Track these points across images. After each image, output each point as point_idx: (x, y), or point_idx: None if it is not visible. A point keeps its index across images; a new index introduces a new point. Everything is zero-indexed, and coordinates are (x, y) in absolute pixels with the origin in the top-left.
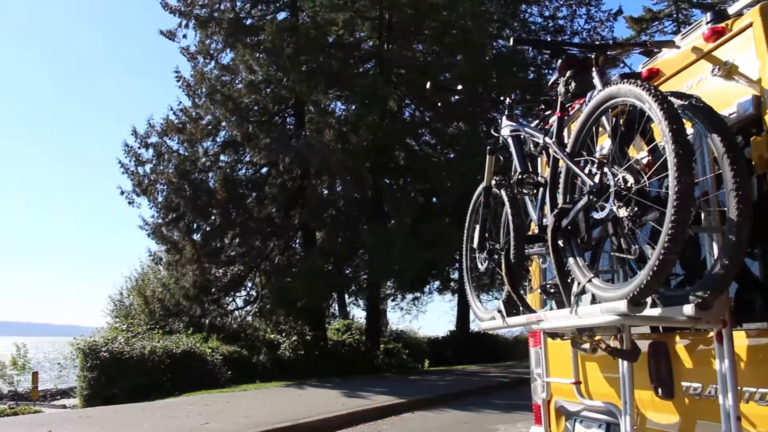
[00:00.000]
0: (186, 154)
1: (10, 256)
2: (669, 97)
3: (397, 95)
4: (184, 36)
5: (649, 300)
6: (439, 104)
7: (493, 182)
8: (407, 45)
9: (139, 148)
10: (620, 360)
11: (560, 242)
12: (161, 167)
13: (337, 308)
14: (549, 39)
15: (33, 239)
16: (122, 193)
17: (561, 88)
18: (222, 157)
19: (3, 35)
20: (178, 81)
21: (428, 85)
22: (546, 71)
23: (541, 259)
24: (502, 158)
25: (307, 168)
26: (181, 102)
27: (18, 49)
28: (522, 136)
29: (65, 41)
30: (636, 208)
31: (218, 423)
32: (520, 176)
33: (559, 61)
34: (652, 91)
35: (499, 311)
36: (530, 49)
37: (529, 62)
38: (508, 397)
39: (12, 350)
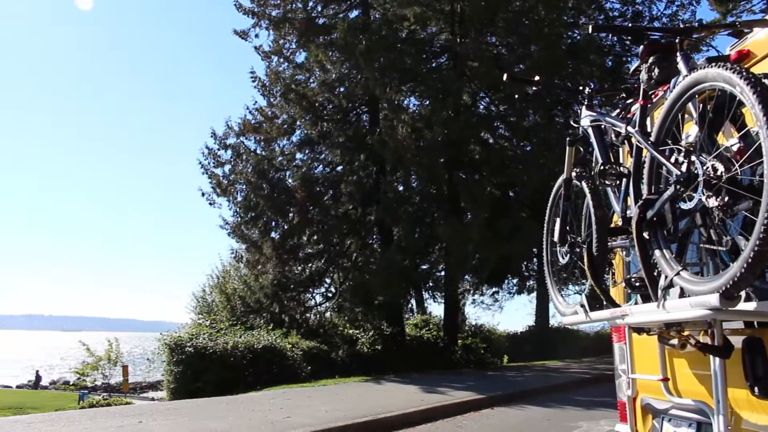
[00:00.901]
0: (263, 153)
1: (101, 255)
2: (763, 80)
3: (471, 89)
4: (257, 36)
5: (743, 293)
6: (516, 96)
7: (574, 174)
8: (480, 38)
9: (218, 149)
10: (711, 356)
11: (645, 234)
12: (240, 167)
13: (414, 304)
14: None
15: (122, 238)
16: (203, 194)
17: (643, 75)
18: (298, 156)
19: (86, 42)
20: (253, 81)
21: (504, 77)
22: (625, 58)
23: (624, 252)
24: (582, 149)
25: (382, 164)
26: (256, 102)
27: (100, 53)
28: (603, 126)
29: (148, 45)
30: (727, 198)
31: (299, 417)
32: (602, 167)
33: (641, 46)
34: (744, 73)
35: (582, 306)
36: (609, 36)
37: (606, 50)
38: (590, 393)
39: (104, 344)
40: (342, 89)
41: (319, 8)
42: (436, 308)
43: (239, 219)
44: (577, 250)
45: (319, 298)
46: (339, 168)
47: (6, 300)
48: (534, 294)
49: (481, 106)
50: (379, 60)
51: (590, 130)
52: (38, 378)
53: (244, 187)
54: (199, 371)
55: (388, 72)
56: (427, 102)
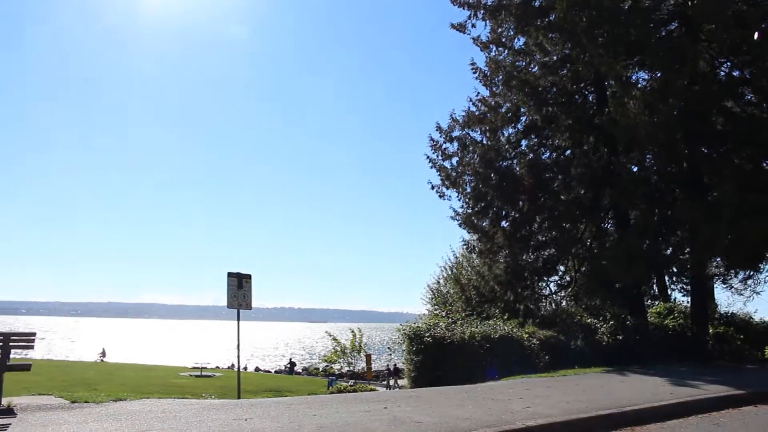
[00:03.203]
0: (489, 143)
1: (345, 250)
2: None
3: (709, 54)
4: (474, 26)
5: None
6: None
7: None
8: None
9: (444, 142)
10: None
11: None
12: (467, 158)
13: (656, 290)
14: None
15: (362, 233)
16: (432, 187)
17: None
18: (524, 143)
19: (310, 47)
20: (474, 72)
21: (755, 35)
22: None
23: None
24: None
25: (613, 145)
26: (478, 93)
27: (322, 55)
28: None
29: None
30: None
31: (540, 407)
32: None
33: None
34: None
35: None
36: None
37: None
38: None
39: (347, 335)
40: (564, 71)
41: None
42: (682, 295)
43: (469, 210)
44: None
45: (553, 287)
46: (567, 152)
47: (261, 294)
48: None
49: (722, 72)
50: (603, 35)
51: None
52: (292, 365)
53: (471, 177)
54: (437, 360)
55: (613, 47)
56: (659, 74)
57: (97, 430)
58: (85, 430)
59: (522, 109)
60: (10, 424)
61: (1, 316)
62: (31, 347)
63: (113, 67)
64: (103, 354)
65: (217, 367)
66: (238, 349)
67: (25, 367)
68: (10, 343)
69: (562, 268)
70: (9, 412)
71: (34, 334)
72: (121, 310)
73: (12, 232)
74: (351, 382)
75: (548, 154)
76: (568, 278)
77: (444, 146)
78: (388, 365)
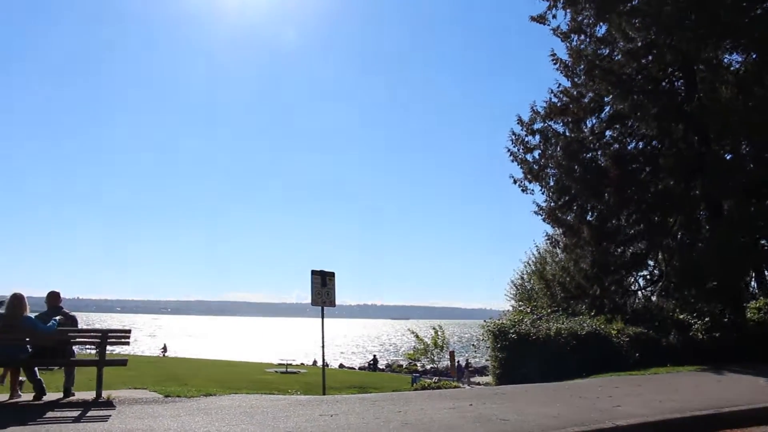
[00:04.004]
0: (572, 135)
1: (426, 246)
2: None
3: None
4: (554, 17)
5: None
6: None
7: None
8: None
9: (525, 135)
10: None
11: None
12: (549, 151)
13: (755, 285)
14: None
15: (443, 227)
16: (514, 182)
17: None
18: (608, 133)
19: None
20: (554, 63)
21: None
22: None
23: None
24: None
25: (704, 132)
26: (560, 84)
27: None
28: None
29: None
30: None
31: (630, 406)
32: None
33: None
34: None
35: None
36: None
37: None
38: None
39: (429, 332)
40: (650, 57)
41: None
42: None
43: (552, 204)
44: None
45: (642, 281)
46: (654, 141)
47: (344, 292)
48: None
49: None
50: (690, 18)
51: None
52: (375, 361)
53: (554, 171)
54: (522, 357)
55: (702, 30)
56: (754, 56)
57: (189, 423)
58: (178, 423)
59: (605, 99)
60: (110, 416)
61: (97, 313)
62: (127, 343)
63: (202, 69)
64: (165, 350)
65: (302, 364)
66: (323, 345)
67: (121, 362)
68: (108, 340)
69: (651, 262)
70: (108, 404)
71: (129, 331)
72: (208, 308)
73: (109, 235)
74: (435, 379)
75: (634, 144)
76: (658, 272)
77: (525, 139)
78: (458, 361)
